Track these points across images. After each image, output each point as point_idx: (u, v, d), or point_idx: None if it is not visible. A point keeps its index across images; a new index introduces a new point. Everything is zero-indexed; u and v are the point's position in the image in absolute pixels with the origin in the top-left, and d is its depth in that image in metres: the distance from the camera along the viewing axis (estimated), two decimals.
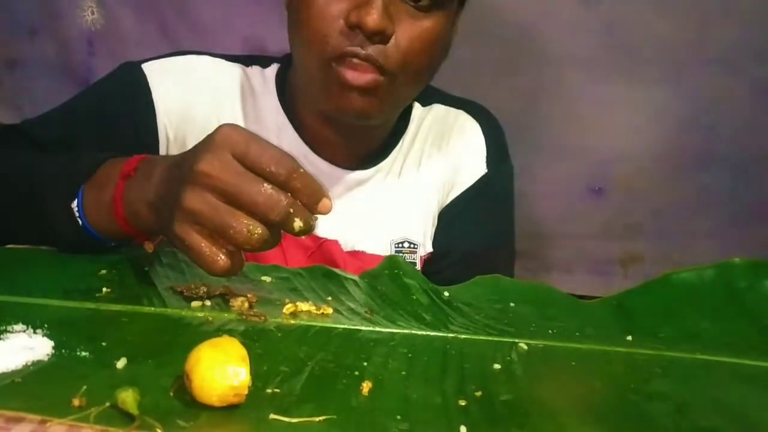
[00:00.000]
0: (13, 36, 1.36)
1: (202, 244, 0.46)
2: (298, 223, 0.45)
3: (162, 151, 0.75)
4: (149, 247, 0.58)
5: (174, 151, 0.75)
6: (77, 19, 1.30)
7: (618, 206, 1.26)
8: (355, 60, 0.63)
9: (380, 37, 0.63)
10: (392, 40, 0.64)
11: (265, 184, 0.45)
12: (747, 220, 1.22)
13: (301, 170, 0.45)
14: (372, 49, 0.63)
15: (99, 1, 1.29)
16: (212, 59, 0.79)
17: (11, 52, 1.38)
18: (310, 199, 0.45)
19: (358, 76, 0.64)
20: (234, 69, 0.79)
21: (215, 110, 0.76)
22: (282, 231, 0.46)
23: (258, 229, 0.45)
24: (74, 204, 0.57)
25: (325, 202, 0.46)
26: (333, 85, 0.65)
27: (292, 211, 0.45)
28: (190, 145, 0.76)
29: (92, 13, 1.29)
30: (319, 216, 0.46)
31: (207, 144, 0.47)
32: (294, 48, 0.70)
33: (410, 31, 0.65)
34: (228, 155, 0.45)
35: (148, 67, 0.75)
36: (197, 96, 0.76)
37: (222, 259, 0.46)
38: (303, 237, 0.47)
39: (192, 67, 0.78)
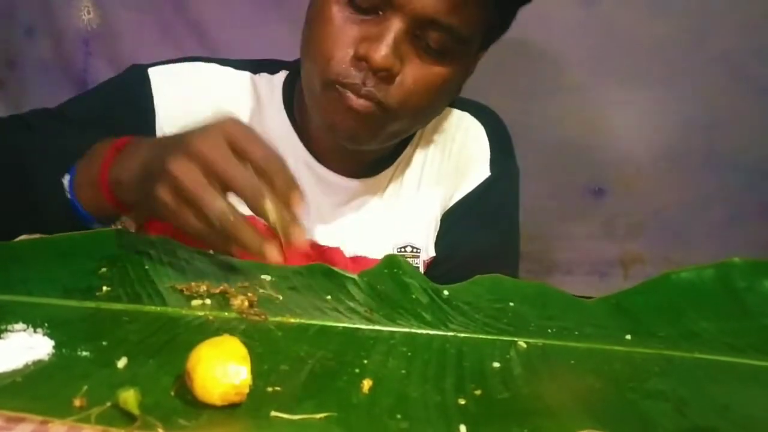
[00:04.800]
0: (12, 36, 1.36)
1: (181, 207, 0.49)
2: (269, 205, 0.48)
3: None
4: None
5: None
6: (73, 19, 1.30)
7: (618, 207, 1.25)
8: (353, 91, 0.63)
9: (385, 74, 0.62)
10: (398, 79, 0.63)
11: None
12: (747, 220, 1.22)
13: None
14: (374, 86, 0.63)
15: (95, 1, 1.29)
16: (220, 67, 0.79)
17: (10, 52, 1.38)
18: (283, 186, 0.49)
19: (355, 99, 0.63)
20: (241, 76, 0.79)
21: None
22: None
23: (229, 215, 0.48)
24: (65, 179, 0.57)
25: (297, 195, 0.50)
26: (331, 102, 0.65)
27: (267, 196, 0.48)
28: None
29: (88, 13, 1.29)
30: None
31: (204, 127, 0.50)
32: (302, 57, 0.70)
33: (417, 73, 0.64)
34: (222, 140, 0.49)
35: (154, 72, 0.75)
36: (199, 104, 0.76)
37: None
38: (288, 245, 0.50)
39: (198, 74, 0.78)
